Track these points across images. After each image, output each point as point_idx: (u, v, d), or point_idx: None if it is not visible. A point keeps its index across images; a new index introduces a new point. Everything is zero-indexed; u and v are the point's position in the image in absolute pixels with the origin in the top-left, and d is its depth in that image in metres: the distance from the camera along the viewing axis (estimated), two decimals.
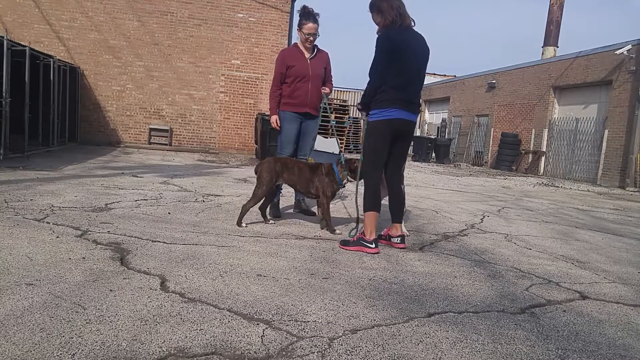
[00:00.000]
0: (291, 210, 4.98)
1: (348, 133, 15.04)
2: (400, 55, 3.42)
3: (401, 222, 3.69)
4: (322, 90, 4.58)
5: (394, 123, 3.47)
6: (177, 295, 2.28)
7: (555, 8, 22.30)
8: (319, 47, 4.63)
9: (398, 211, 3.67)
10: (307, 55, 4.52)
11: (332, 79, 4.80)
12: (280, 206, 4.81)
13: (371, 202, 3.51)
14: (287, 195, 5.89)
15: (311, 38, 4.45)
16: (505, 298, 2.65)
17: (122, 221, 3.79)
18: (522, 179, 13.53)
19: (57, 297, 2.13)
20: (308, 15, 4.40)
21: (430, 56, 3.65)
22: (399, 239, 3.61)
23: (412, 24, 3.54)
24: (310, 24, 4.39)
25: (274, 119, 4.52)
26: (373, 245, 3.39)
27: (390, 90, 3.45)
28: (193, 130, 13.43)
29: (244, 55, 13.17)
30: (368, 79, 3.52)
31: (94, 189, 5.32)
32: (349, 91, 22.84)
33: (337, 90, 22.45)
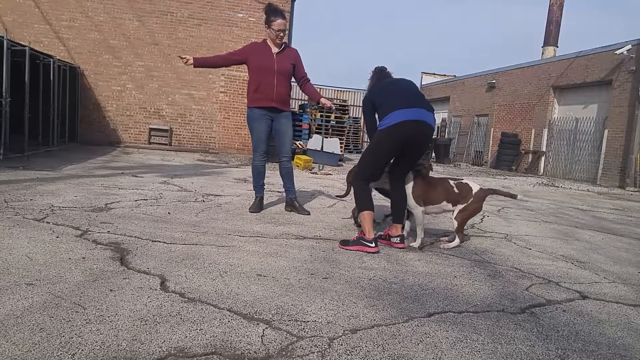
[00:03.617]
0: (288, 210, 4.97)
1: (348, 133, 15.03)
2: (379, 98, 3.56)
3: (402, 224, 3.70)
4: (323, 102, 4.67)
5: (397, 128, 3.37)
6: (177, 295, 2.28)
7: (555, 8, 22.30)
8: (287, 43, 4.65)
9: (399, 212, 3.67)
10: (274, 50, 4.52)
11: (307, 75, 4.76)
12: (279, 205, 4.82)
13: (362, 203, 3.53)
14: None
15: (282, 34, 4.45)
16: (505, 298, 2.65)
17: (122, 221, 3.79)
18: (522, 178, 13.53)
19: (57, 297, 2.13)
20: (276, 12, 4.43)
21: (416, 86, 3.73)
22: (398, 238, 3.62)
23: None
24: (280, 20, 4.40)
25: (190, 58, 4.38)
26: (373, 244, 3.39)
27: (381, 109, 3.54)
28: (193, 130, 13.43)
29: None
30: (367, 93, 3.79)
31: (94, 189, 5.32)
32: (349, 91, 22.83)
33: (337, 90, 22.46)
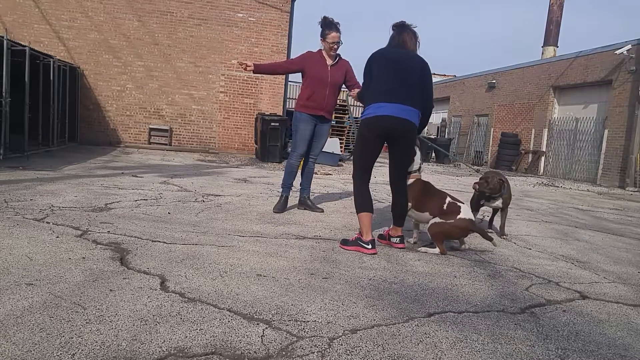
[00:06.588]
0: (293, 209, 4.97)
1: (348, 133, 15.04)
2: (377, 64, 3.51)
3: (402, 226, 3.69)
4: (351, 94, 4.74)
5: (376, 121, 3.39)
6: (177, 295, 2.28)
7: (555, 8, 22.30)
8: (341, 56, 4.81)
9: (399, 215, 3.66)
10: (329, 62, 4.71)
11: (358, 83, 4.92)
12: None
13: (359, 204, 3.52)
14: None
15: (335, 46, 4.65)
16: (505, 298, 2.65)
17: (122, 221, 3.79)
18: (522, 178, 13.52)
19: (57, 297, 2.13)
20: (330, 25, 4.62)
21: (422, 69, 3.57)
22: (398, 239, 3.62)
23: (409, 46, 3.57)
24: (334, 33, 4.61)
25: (251, 64, 4.54)
26: (369, 247, 3.38)
27: (371, 88, 3.53)
28: (193, 130, 13.42)
29: (243, 55, 13.16)
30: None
31: (94, 189, 5.32)
32: None
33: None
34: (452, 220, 3.54)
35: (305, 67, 4.70)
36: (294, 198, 5.37)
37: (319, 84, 4.66)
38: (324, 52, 4.72)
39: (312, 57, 4.73)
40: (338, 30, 4.61)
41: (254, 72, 4.64)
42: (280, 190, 4.96)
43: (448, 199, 3.66)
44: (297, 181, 5.10)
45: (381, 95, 3.41)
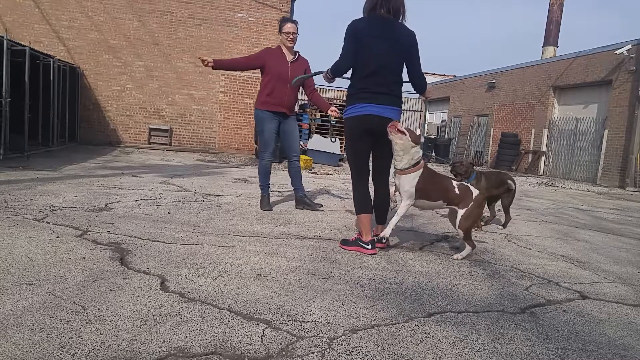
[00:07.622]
0: (293, 209, 4.97)
1: None
2: (362, 42, 3.34)
3: (383, 224, 3.59)
4: (331, 113, 4.80)
5: (361, 120, 3.39)
6: (177, 295, 2.28)
7: (555, 8, 22.31)
8: (300, 53, 4.84)
9: (381, 213, 3.63)
10: (289, 58, 4.73)
11: (314, 84, 5.01)
12: (280, 204, 4.83)
13: (359, 205, 3.50)
14: (285, 195, 5.89)
15: (291, 36, 4.70)
16: (505, 298, 2.65)
17: (122, 221, 3.79)
18: (522, 178, 13.52)
19: (57, 297, 2.13)
20: (285, 19, 4.81)
21: (411, 45, 3.37)
22: (375, 237, 3.57)
23: (395, 14, 3.36)
24: (290, 24, 4.71)
25: (211, 60, 4.48)
26: (370, 247, 3.38)
27: (355, 80, 3.44)
28: (193, 130, 13.42)
29: (243, 55, 13.14)
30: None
31: (94, 189, 5.31)
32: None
33: (337, 90, 22.43)
34: (472, 202, 3.41)
35: (265, 62, 4.69)
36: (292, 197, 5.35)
37: (279, 80, 4.65)
38: (283, 48, 4.74)
39: (272, 53, 4.74)
40: (294, 23, 4.71)
41: (213, 68, 4.61)
42: (260, 191, 4.96)
43: (454, 182, 3.52)
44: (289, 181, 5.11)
45: (368, 96, 3.36)
